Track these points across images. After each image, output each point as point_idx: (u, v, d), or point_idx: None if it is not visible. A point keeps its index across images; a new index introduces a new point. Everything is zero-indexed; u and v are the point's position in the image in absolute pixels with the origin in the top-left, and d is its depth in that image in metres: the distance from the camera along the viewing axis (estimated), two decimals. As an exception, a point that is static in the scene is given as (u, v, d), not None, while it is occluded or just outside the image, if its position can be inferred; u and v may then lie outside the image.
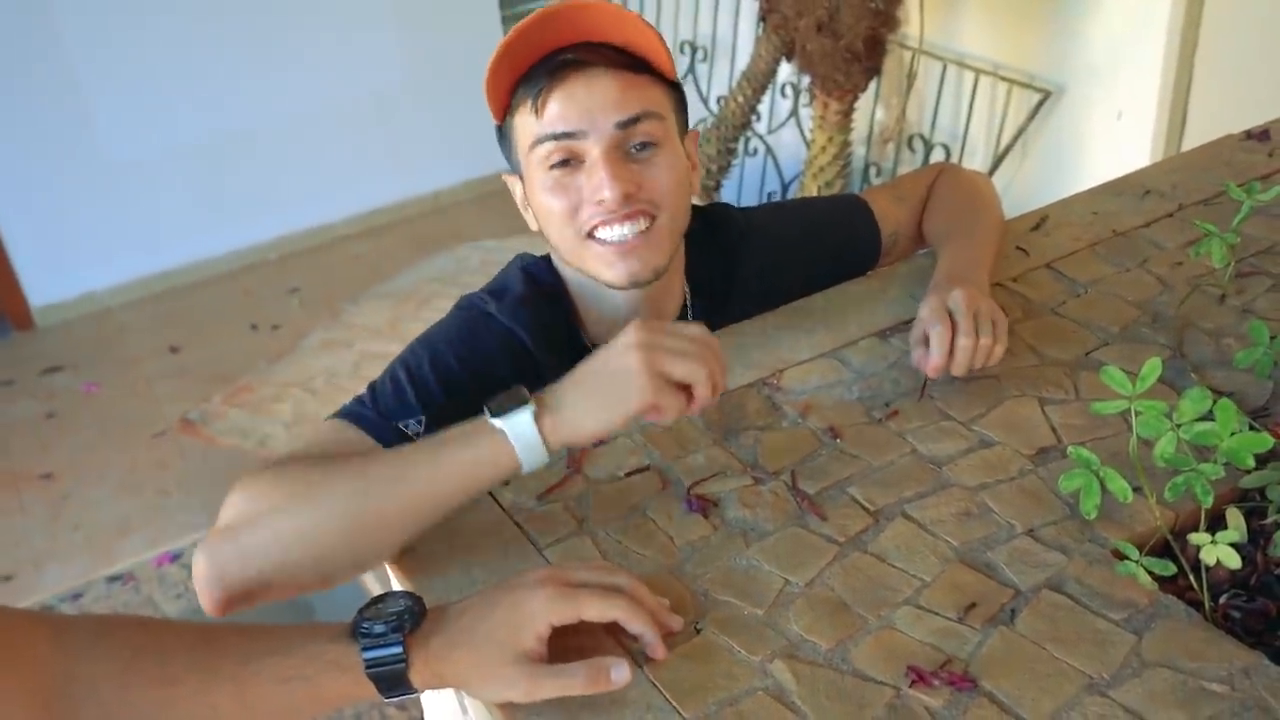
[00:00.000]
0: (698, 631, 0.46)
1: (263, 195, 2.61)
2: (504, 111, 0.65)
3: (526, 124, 0.61)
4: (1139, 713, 0.38)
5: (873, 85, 1.86)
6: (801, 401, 0.65)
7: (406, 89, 2.76)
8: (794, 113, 2.22)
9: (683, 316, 0.73)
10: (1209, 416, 0.44)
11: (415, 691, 0.42)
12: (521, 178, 0.66)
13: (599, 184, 0.59)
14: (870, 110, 2.01)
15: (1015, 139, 1.75)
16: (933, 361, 0.60)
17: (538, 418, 0.46)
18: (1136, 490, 0.47)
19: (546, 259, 0.72)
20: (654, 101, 0.62)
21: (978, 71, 1.75)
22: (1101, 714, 0.39)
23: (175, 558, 1.82)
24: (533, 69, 0.60)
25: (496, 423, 0.46)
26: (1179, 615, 0.44)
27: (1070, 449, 0.50)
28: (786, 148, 2.32)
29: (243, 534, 0.49)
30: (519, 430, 0.46)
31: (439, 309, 0.81)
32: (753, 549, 0.52)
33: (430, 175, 2.84)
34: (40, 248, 2.43)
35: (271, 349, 2.23)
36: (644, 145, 0.61)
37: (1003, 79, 1.72)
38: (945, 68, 1.82)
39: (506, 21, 2.67)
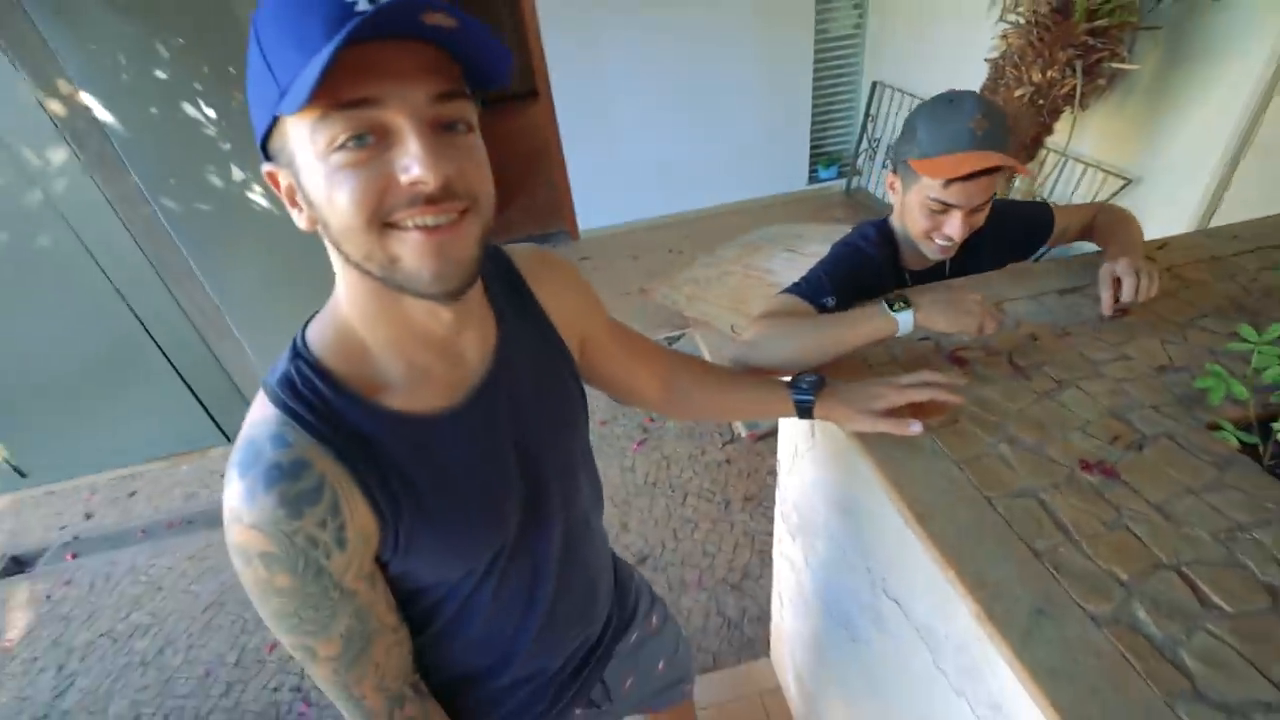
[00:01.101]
0: (956, 421, 0.81)
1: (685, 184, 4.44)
2: (918, 170, 1.03)
3: (927, 184, 1.01)
4: (1218, 508, 0.70)
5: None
6: (1015, 319, 0.98)
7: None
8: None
9: (943, 266, 1.14)
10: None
11: (815, 418, 0.80)
12: (904, 189, 1.07)
13: (955, 228, 1.02)
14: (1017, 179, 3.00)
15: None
16: (1105, 307, 0.96)
17: (916, 312, 0.85)
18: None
19: (884, 222, 1.13)
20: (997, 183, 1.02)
21: (1085, 164, 2.73)
22: (1191, 505, 0.70)
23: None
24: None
25: (891, 312, 0.85)
26: (1251, 465, 0.75)
27: (1207, 365, 0.81)
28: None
29: (758, 347, 0.94)
30: (904, 316, 0.85)
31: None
32: (986, 388, 0.86)
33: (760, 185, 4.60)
34: (584, 195, 4.33)
35: (678, 262, 3.99)
36: (984, 205, 1.03)
37: (1100, 169, 2.66)
38: (1067, 160, 2.78)
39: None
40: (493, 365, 0.61)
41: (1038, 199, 2.87)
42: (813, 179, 4.50)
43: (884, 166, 4.06)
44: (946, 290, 0.91)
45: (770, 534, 2.28)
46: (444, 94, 0.45)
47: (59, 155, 2.22)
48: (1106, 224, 1.14)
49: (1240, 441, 0.76)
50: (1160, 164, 2.38)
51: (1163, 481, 0.73)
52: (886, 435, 0.80)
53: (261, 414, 0.52)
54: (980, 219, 1.01)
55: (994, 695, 0.66)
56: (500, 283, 0.66)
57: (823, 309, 0.99)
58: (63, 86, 2.13)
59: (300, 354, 0.54)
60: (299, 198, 0.49)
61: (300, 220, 0.50)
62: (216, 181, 2.72)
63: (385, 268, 0.48)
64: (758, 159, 4.37)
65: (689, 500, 2.46)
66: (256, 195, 3.02)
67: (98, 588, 2.44)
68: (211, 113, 2.76)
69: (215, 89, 2.82)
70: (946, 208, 0.99)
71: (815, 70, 4.13)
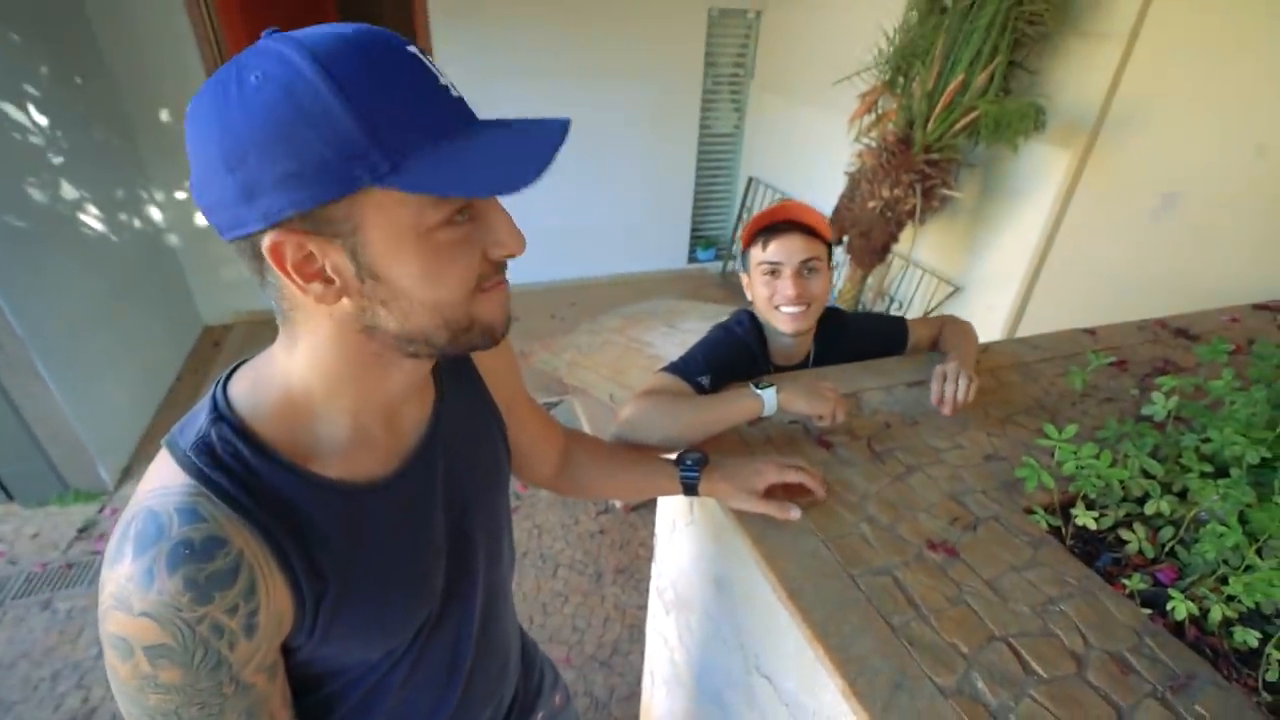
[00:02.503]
0: (823, 500, 0.88)
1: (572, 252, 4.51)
2: (747, 246, 1.18)
3: (755, 254, 1.16)
4: (1034, 583, 0.80)
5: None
6: (872, 407, 1.09)
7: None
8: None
9: (805, 363, 1.28)
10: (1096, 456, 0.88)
11: (699, 495, 0.82)
12: (748, 276, 1.19)
13: (787, 287, 1.14)
14: (869, 278, 3.35)
15: (934, 308, 3.03)
16: (935, 398, 1.10)
17: (779, 394, 0.92)
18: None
19: (750, 314, 1.24)
20: (819, 249, 1.15)
21: (923, 270, 3.13)
22: (1014, 582, 0.81)
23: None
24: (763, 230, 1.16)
25: (758, 390, 0.90)
26: (1055, 544, 0.88)
27: (1024, 457, 0.94)
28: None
29: (636, 424, 0.97)
30: (768, 394, 0.91)
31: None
32: (848, 470, 0.94)
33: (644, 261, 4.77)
34: None
35: (560, 328, 3.94)
36: (811, 270, 1.14)
37: (935, 276, 3.05)
38: (909, 266, 3.19)
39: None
40: (430, 430, 0.60)
41: (888, 295, 3.25)
42: (692, 259, 4.78)
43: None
44: (808, 377, 1.01)
45: (641, 607, 2.26)
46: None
47: None
48: (951, 334, 1.32)
49: (1048, 524, 0.89)
50: (979, 275, 2.81)
51: (992, 560, 0.83)
52: (763, 514, 0.84)
53: (168, 481, 0.46)
54: (816, 286, 1.14)
55: (857, 770, 0.69)
56: None
57: (698, 388, 1.05)
58: None
59: (222, 415, 0.49)
60: (335, 272, 0.45)
61: (322, 295, 0.46)
62: (38, 197, 2.39)
63: (462, 330, 0.50)
64: (643, 236, 4.59)
65: (560, 572, 2.40)
66: (90, 219, 2.69)
67: None
68: (44, 120, 2.45)
69: (54, 96, 2.53)
70: (773, 267, 1.13)
71: (699, 161, 4.48)
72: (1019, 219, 2.57)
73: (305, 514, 0.49)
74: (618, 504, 2.68)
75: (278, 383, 0.51)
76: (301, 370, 0.51)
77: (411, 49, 0.44)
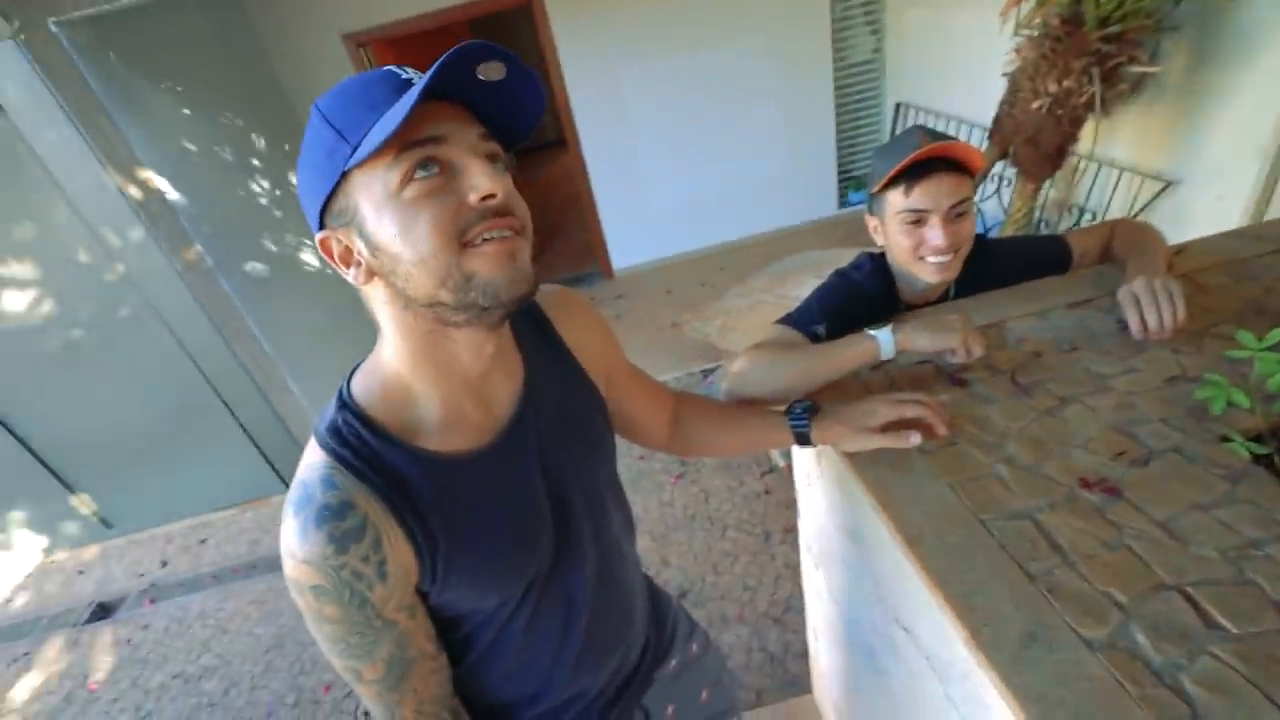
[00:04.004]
0: (954, 443, 0.81)
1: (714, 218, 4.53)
2: (883, 188, 1.03)
3: (894, 200, 1.02)
4: (1227, 523, 0.67)
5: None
6: (1019, 337, 0.97)
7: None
8: (998, 190, 3.29)
9: (948, 294, 1.14)
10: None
11: (814, 444, 0.82)
12: (881, 221, 1.07)
13: (937, 237, 1.00)
14: (1047, 189, 2.91)
15: (1139, 211, 2.51)
16: (1135, 330, 0.92)
17: (896, 333, 0.87)
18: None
19: (880, 255, 1.13)
20: (969, 188, 1.01)
21: (1120, 169, 2.60)
22: (1198, 522, 0.68)
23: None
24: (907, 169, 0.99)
25: (874, 333, 0.87)
26: (1263, 476, 0.72)
27: (1206, 375, 0.78)
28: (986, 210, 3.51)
29: (746, 378, 0.97)
30: (884, 335, 0.86)
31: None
32: (986, 408, 0.86)
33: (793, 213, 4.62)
34: (617, 235, 4.51)
35: (711, 294, 3.98)
36: (962, 213, 1.00)
37: (1135, 173, 2.52)
38: (1100, 166, 2.66)
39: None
40: (520, 405, 0.66)
41: (1075, 206, 2.79)
42: (843, 203, 4.49)
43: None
44: (931, 312, 0.91)
45: (811, 565, 2.24)
46: (487, 134, 0.55)
47: (136, 234, 2.45)
48: (1125, 239, 1.12)
49: (1252, 453, 0.73)
50: (1201, 162, 2.29)
51: (1168, 497, 0.71)
52: (880, 454, 0.80)
53: (312, 459, 0.58)
54: (966, 230, 1.01)
55: (997, 725, 0.64)
56: (526, 322, 0.72)
57: (814, 337, 1.00)
58: (139, 172, 2.37)
59: (345, 404, 0.60)
60: (358, 253, 0.55)
61: (357, 276, 0.56)
62: (271, 247, 2.94)
63: (460, 287, 0.53)
64: (786, 188, 4.40)
65: (728, 533, 2.44)
66: (307, 256, 3.24)
67: (171, 631, 2.59)
68: (266, 184, 3.00)
69: (270, 164, 3.08)
70: (919, 215, 1.00)
71: (837, 97, 4.16)
72: (1253, 82, 2.03)
73: (414, 482, 0.58)
74: (781, 463, 2.65)
75: (379, 372, 0.61)
76: (389, 357, 0.60)
77: (392, 67, 0.53)
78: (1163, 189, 2.40)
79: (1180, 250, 1.13)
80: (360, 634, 0.57)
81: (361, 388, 0.61)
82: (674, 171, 4.22)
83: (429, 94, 0.49)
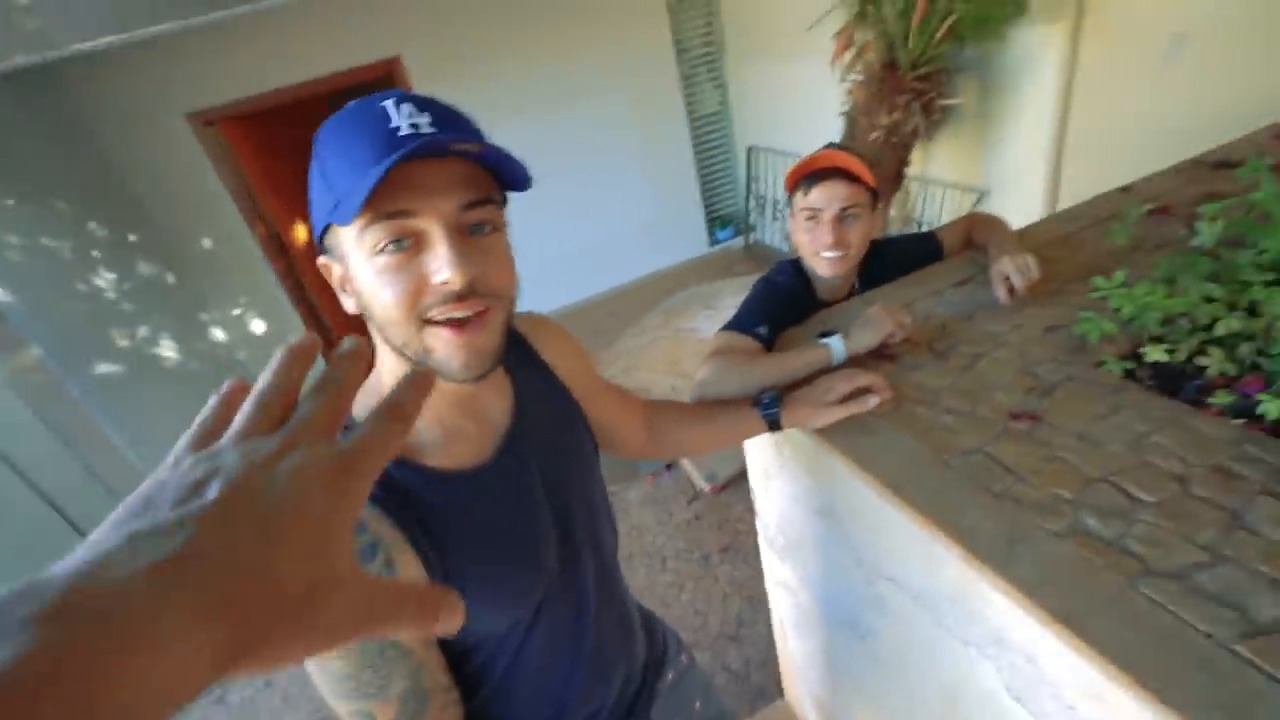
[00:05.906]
0: (899, 407, 0.93)
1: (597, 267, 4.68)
2: (790, 191, 1.21)
3: (798, 199, 1.19)
4: (1122, 425, 0.83)
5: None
6: (925, 313, 1.13)
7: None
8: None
9: (854, 290, 1.31)
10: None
11: (784, 428, 0.88)
12: (792, 219, 1.22)
13: (825, 234, 1.16)
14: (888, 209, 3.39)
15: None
16: (1003, 299, 1.11)
17: (844, 338, 0.98)
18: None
19: (796, 260, 1.26)
20: (860, 195, 1.16)
21: (944, 186, 3.14)
22: (1102, 429, 0.83)
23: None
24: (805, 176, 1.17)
25: (825, 342, 0.96)
26: (1134, 387, 0.90)
27: (1080, 313, 0.96)
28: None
29: (713, 384, 1.02)
30: (836, 345, 0.97)
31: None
32: (916, 374, 0.99)
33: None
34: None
35: (606, 341, 4.01)
36: (853, 217, 1.16)
37: (956, 188, 3.06)
38: (927, 186, 3.21)
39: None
40: (514, 417, 0.67)
41: (913, 221, 3.23)
42: (713, 241, 4.83)
43: (774, 219, 4.45)
44: (860, 315, 1.04)
45: (754, 578, 2.31)
46: (472, 202, 0.53)
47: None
48: (982, 230, 1.34)
49: (1122, 371, 0.91)
50: (1001, 172, 2.78)
51: (1076, 415, 0.86)
52: (846, 425, 0.90)
53: None
54: (855, 232, 1.17)
55: (995, 630, 0.73)
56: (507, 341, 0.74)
57: (759, 338, 1.10)
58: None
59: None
60: (349, 287, 0.57)
61: (350, 305, 0.58)
62: (123, 342, 2.64)
63: (420, 356, 0.55)
64: (659, 233, 4.67)
65: (669, 564, 2.47)
66: (166, 350, 2.94)
67: None
68: (112, 276, 2.71)
69: (115, 254, 2.79)
70: (814, 213, 1.16)
71: (695, 145, 4.54)
72: (1027, 105, 2.53)
73: (420, 499, 0.58)
74: (704, 487, 2.74)
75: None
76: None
77: (386, 102, 0.53)
78: (978, 199, 2.87)
79: (1021, 234, 1.38)
80: (373, 667, 0.54)
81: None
82: (550, 228, 4.33)
83: (414, 153, 0.49)
